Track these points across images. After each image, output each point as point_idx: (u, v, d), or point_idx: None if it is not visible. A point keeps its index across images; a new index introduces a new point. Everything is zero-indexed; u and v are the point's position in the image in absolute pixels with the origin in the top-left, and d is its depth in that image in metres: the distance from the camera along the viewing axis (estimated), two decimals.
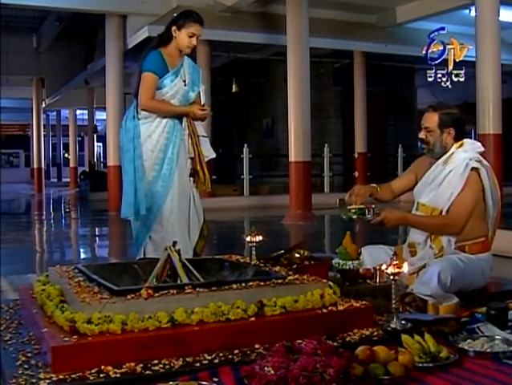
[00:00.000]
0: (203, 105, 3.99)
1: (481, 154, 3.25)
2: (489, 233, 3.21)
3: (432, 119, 3.23)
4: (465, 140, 3.24)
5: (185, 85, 3.85)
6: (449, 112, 3.25)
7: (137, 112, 3.82)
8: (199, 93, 4.03)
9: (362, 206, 3.11)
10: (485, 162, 3.20)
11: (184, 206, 3.86)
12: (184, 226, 3.85)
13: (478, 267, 3.10)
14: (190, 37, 3.78)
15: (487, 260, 3.18)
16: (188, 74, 3.88)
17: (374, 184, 3.44)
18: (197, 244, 3.97)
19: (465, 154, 3.16)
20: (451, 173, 3.14)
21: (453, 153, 3.20)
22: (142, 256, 3.80)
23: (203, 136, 4.09)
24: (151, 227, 3.79)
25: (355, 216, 3.10)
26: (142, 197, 3.73)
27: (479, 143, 3.30)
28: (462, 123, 3.28)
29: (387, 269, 2.54)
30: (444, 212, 3.13)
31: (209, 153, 4.11)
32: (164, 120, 3.80)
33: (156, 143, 3.77)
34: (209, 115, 3.81)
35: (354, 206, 3.13)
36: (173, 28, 3.78)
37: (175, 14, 3.88)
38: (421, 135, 3.28)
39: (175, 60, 3.84)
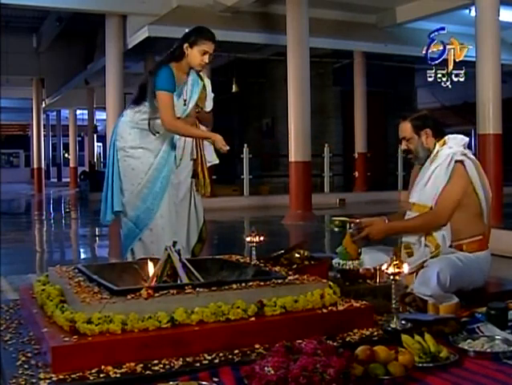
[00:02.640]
0: (211, 111, 4.02)
1: (467, 146, 3.26)
2: (485, 230, 3.21)
3: (406, 128, 3.30)
4: (446, 137, 3.27)
5: (185, 104, 3.78)
6: (418, 116, 3.33)
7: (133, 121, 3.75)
8: (204, 99, 4.01)
9: (345, 219, 3.15)
10: (470, 155, 3.20)
11: (179, 208, 3.85)
12: (180, 228, 3.83)
13: (477, 266, 3.10)
14: (202, 54, 3.70)
15: (485, 258, 3.18)
16: (189, 91, 3.81)
17: (384, 217, 3.42)
18: (195, 245, 3.97)
19: (450, 150, 3.19)
20: (436, 169, 3.17)
21: (438, 151, 3.23)
22: (130, 257, 3.77)
23: (207, 141, 4.09)
24: (140, 233, 3.73)
25: (336, 229, 3.16)
26: (110, 204, 3.75)
27: (461, 136, 3.30)
28: (435, 120, 3.34)
29: (387, 269, 2.54)
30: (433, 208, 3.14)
31: (211, 158, 4.12)
32: (163, 139, 3.74)
33: (153, 161, 3.70)
34: (226, 150, 3.67)
35: (337, 218, 3.16)
36: (185, 45, 3.68)
37: (187, 30, 3.80)
38: (403, 146, 3.36)
39: (182, 77, 3.77)
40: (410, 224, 3.21)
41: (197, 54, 3.70)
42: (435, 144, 3.25)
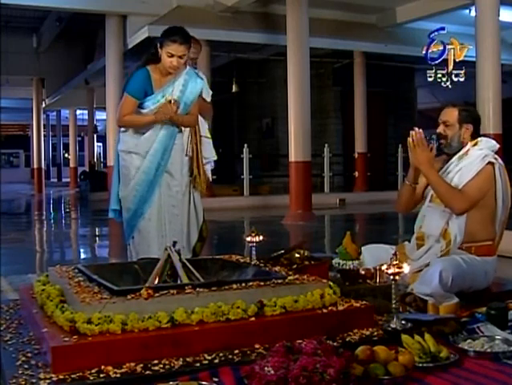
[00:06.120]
0: (210, 102, 3.97)
1: (496, 152, 3.26)
2: (496, 237, 3.20)
3: (451, 114, 3.26)
4: (479, 139, 3.26)
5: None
6: (468, 109, 3.30)
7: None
8: (202, 99, 3.99)
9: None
10: (500, 160, 3.21)
11: (179, 211, 3.86)
12: (178, 231, 3.84)
13: (481, 269, 3.09)
14: (169, 57, 3.50)
15: (491, 263, 3.16)
16: (179, 91, 3.65)
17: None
18: (195, 244, 3.97)
19: (481, 151, 3.18)
20: (464, 167, 3.15)
21: (468, 150, 3.21)
22: (128, 253, 3.83)
23: (206, 137, 4.07)
24: (131, 232, 3.78)
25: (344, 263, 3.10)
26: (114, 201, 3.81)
27: (494, 142, 3.31)
28: (479, 121, 3.32)
29: (387, 269, 2.54)
30: None
31: (209, 155, 4.10)
32: (151, 140, 3.67)
33: (140, 164, 3.68)
34: (173, 110, 3.52)
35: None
36: (158, 45, 3.54)
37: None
38: (439, 129, 3.29)
39: (163, 78, 3.62)
40: (441, 183, 3.10)
41: (164, 57, 3.53)
42: (467, 143, 3.24)
